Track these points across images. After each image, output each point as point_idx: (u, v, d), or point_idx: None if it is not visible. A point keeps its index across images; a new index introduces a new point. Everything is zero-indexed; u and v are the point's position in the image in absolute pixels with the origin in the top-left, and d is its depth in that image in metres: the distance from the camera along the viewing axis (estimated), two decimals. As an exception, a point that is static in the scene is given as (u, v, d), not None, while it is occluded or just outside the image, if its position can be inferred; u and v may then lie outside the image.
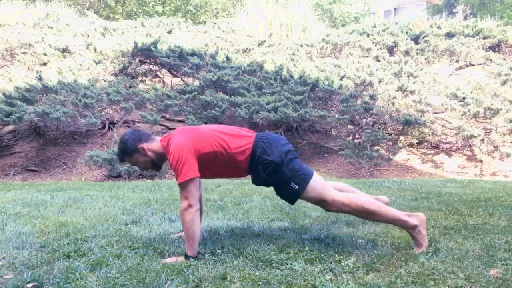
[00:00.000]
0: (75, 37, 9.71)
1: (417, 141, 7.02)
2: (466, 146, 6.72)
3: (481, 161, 6.35)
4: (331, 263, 2.10)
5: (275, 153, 2.29)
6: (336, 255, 2.18)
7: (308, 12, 12.35)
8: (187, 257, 2.18)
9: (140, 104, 7.24)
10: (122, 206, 3.57)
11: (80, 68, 8.16)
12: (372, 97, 6.99)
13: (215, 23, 12.06)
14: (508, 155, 6.22)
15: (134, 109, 7.05)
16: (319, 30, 11.92)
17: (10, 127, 7.23)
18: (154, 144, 2.37)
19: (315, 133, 7.30)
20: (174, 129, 7.41)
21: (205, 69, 8.24)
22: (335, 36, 10.24)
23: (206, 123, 7.08)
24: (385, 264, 2.07)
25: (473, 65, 9.24)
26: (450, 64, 9.32)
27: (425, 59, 9.03)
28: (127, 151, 2.37)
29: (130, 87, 7.92)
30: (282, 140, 2.40)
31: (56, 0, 13.89)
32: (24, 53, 9.15)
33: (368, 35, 10.13)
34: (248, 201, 3.68)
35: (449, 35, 9.97)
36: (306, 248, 2.29)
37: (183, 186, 2.20)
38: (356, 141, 6.69)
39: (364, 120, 6.98)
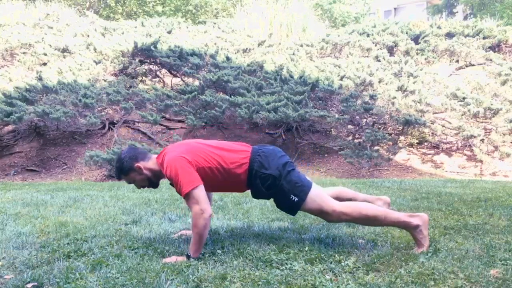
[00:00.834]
0: (75, 37, 9.71)
1: (417, 141, 7.02)
2: (466, 146, 6.72)
3: (481, 161, 6.35)
4: (331, 263, 2.10)
5: (272, 166, 2.29)
6: (336, 255, 2.18)
7: (308, 12, 12.34)
8: (188, 257, 2.18)
9: (140, 104, 7.24)
10: (122, 206, 3.58)
11: (80, 68, 8.16)
12: (372, 97, 6.99)
13: (215, 23, 12.05)
14: (508, 155, 6.22)
15: (134, 109, 7.05)
16: (319, 30, 11.91)
17: (10, 127, 7.23)
18: (150, 162, 2.38)
19: (315, 133, 7.30)
20: (174, 129, 7.43)
21: (205, 69, 8.24)
22: (335, 36, 10.23)
23: (206, 123, 7.09)
24: (385, 264, 2.07)
25: (473, 65, 9.24)
26: (450, 64, 9.32)
27: (425, 59, 9.03)
28: (124, 169, 2.38)
29: (130, 87, 7.92)
30: (278, 153, 2.39)
31: (56, 0, 13.89)
32: (24, 53, 9.15)
33: (368, 35, 10.13)
34: (248, 201, 3.69)
35: (449, 35, 9.97)
36: (306, 248, 2.29)
37: (189, 196, 2.18)
38: (356, 141, 6.69)
39: (364, 120, 6.98)
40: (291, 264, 2.09)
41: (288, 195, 2.30)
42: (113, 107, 7.42)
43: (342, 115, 6.73)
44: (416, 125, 6.65)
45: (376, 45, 9.52)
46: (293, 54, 9.40)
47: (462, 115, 6.69)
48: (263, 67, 8.46)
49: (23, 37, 9.53)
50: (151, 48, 8.43)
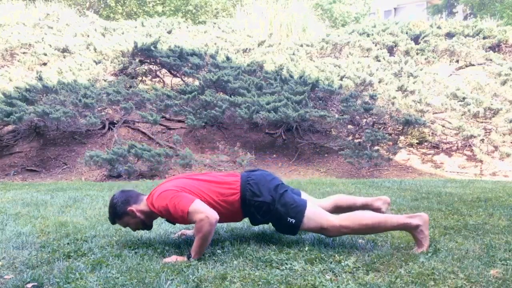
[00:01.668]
0: (75, 37, 9.71)
1: (417, 141, 7.03)
2: (466, 146, 6.72)
3: (481, 161, 6.35)
4: (331, 263, 2.10)
5: (264, 193, 2.30)
6: (336, 255, 2.18)
7: (308, 12, 12.34)
8: (188, 258, 2.18)
9: (140, 104, 7.24)
10: (122, 206, 3.57)
11: (80, 68, 8.16)
12: (372, 97, 6.99)
13: (215, 23, 12.05)
14: (508, 155, 6.22)
15: (134, 109, 7.05)
16: (319, 30, 11.91)
17: (10, 127, 7.23)
18: (142, 204, 2.38)
19: (315, 133, 7.30)
20: (174, 129, 7.43)
21: (205, 69, 8.24)
22: (335, 36, 10.23)
23: (206, 123, 7.08)
24: (385, 264, 2.07)
25: (473, 65, 9.24)
26: (450, 64, 9.31)
27: (425, 59, 9.03)
28: (117, 214, 2.39)
29: (130, 87, 7.93)
30: (267, 176, 2.39)
31: (56, 0, 13.88)
32: (24, 53, 9.15)
33: (368, 35, 10.13)
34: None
35: (449, 35, 9.96)
36: (306, 248, 2.29)
37: (190, 212, 2.16)
38: (356, 141, 6.69)
39: (364, 120, 6.98)
40: (291, 264, 2.09)
41: (285, 218, 2.30)
42: (113, 107, 7.42)
43: (342, 115, 6.73)
44: (416, 125, 6.65)
45: (376, 45, 9.52)
46: (293, 54, 9.40)
47: (462, 115, 6.69)
48: (263, 67, 8.46)
49: (23, 37, 9.53)
50: (151, 48, 8.43)
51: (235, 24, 11.65)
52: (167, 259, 2.19)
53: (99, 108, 7.23)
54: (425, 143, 7.04)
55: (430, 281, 1.87)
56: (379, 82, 7.45)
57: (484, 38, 9.68)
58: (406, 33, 10.11)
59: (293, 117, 6.48)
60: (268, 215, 2.32)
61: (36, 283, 1.93)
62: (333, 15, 19.32)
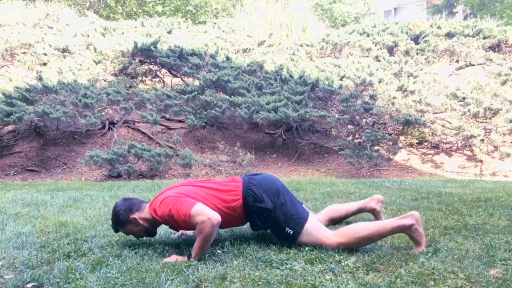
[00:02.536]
0: (75, 37, 9.71)
1: (417, 141, 7.03)
2: (466, 146, 6.72)
3: (481, 161, 6.35)
4: (331, 263, 2.10)
5: (265, 199, 2.30)
6: (336, 255, 2.18)
7: (308, 12, 12.35)
8: (189, 257, 2.18)
9: (140, 104, 7.25)
10: (122, 206, 3.57)
11: (80, 68, 8.16)
12: (372, 97, 6.99)
13: (215, 23, 12.06)
14: (508, 155, 6.22)
15: (134, 109, 7.05)
16: (319, 30, 11.91)
17: (10, 127, 7.23)
18: (145, 212, 2.38)
19: (315, 133, 7.30)
20: (174, 129, 7.43)
21: (205, 69, 8.24)
22: (335, 36, 10.24)
23: (206, 123, 7.08)
24: (385, 264, 2.07)
25: (473, 65, 9.24)
26: (450, 64, 9.32)
27: (425, 59, 9.03)
28: (120, 222, 2.39)
29: (130, 87, 7.93)
30: (268, 181, 2.38)
31: (56, 0, 13.89)
32: (24, 53, 9.15)
33: (368, 35, 10.13)
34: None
35: (449, 35, 9.97)
36: (306, 248, 2.29)
37: (192, 214, 2.15)
38: (356, 141, 6.69)
39: (364, 120, 6.98)
40: (291, 264, 2.09)
41: (283, 227, 2.31)
42: (113, 107, 7.42)
43: (342, 115, 6.73)
44: (416, 125, 6.65)
45: (376, 45, 9.53)
46: (293, 54, 9.40)
47: (462, 115, 6.69)
48: (263, 67, 8.46)
49: (23, 37, 9.53)
50: (151, 48, 8.44)
51: (235, 24, 11.65)
52: (167, 259, 2.19)
53: (99, 108, 7.23)
54: (425, 143, 7.04)
55: (430, 281, 1.87)
56: (379, 82, 7.45)
57: (484, 38, 9.68)
58: (406, 33, 10.12)
59: (293, 117, 6.48)
60: (268, 222, 2.33)
61: (36, 283, 1.93)
62: (333, 15, 19.32)
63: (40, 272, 2.04)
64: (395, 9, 28.13)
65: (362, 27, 10.88)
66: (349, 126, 7.10)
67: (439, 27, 10.32)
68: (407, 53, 9.25)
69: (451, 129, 6.82)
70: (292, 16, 11.38)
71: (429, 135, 7.06)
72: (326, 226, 2.50)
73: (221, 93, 7.54)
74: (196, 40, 10.16)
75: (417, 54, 9.17)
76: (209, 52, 8.88)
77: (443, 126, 6.90)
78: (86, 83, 7.55)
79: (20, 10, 12.01)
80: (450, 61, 9.38)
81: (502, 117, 6.58)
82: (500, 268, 1.98)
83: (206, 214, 2.14)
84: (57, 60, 8.79)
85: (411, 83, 7.36)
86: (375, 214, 2.83)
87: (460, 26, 10.39)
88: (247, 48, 9.86)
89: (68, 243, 2.51)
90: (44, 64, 8.86)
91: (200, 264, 2.11)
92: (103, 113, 7.24)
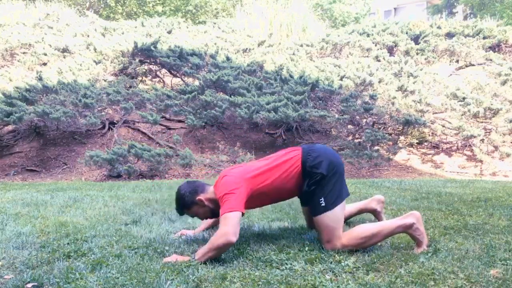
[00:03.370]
0: (75, 37, 9.71)
1: (417, 141, 7.03)
2: (466, 146, 6.72)
3: (481, 161, 6.35)
4: (331, 263, 2.10)
5: (323, 165, 2.32)
6: (336, 255, 2.18)
7: (308, 12, 12.35)
8: (192, 256, 2.18)
9: (140, 104, 7.25)
10: (122, 206, 3.57)
11: (80, 68, 8.16)
12: (372, 97, 6.99)
13: (215, 23, 12.06)
14: (508, 155, 6.22)
15: (134, 109, 7.05)
16: (319, 30, 11.92)
17: (10, 127, 7.23)
18: (210, 193, 2.39)
19: (315, 133, 7.30)
20: (174, 129, 7.43)
21: (205, 69, 8.24)
22: (335, 36, 10.24)
23: (206, 123, 7.09)
24: (385, 264, 2.07)
25: (473, 65, 9.24)
26: (450, 64, 9.32)
27: (425, 59, 9.03)
28: (186, 204, 2.40)
29: (130, 87, 7.93)
30: (328, 150, 2.45)
31: (56, 0, 13.88)
32: (24, 53, 9.15)
33: (368, 35, 10.14)
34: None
35: (449, 35, 9.97)
36: (306, 248, 2.29)
37: (225, 216, 2.16)
38: (356, 141, 6.69)
39: (364, 120, 6.98)
40: (291, 264, 2.09)
41: (319, 196, 2.31)
42: (113, 107, 7.42)
43: (342, 115, 6.73)
44: (416, 125, 6.65)
45: (376, 45, 9.53)
46: (293, 54, 9.40)
47: (462, 115, 6.69)
48: (263, 67, 8.46)
49: (23, 37, 9.53)
50: (151, 48, 8.44)
51: (235, 24, 11.65)
52: (167, 259, 2.19)
53: (99, 108, 7.23)
54: (425, 143, 7.04)
55: (430, 281, 1.87)
56: (379, 82, 7.45)
57: (484, 38, 9.68)
58: (406, 33, 10.12)
59: (293, 117, 6.48)
60: (314, 185, 2.33)
61: (36, 283, 1.93)
62: (333, 15, 19.33)
63: (40, 272, 2.04)
64: (395, 9, 28.13)
65: (362, 27, 10.88)
66: (349, 126, 7.10)
67: (439, 27, 10.32)
68: (407, 53, 9.25)
69: (451, 129, 6.82)
70: (292, 16, 11.39)
71: (429, 135, 7.06)
72: None
73: (221, 93, 7.54)
74: (196, 40, 10.16)
75: (417, 54, 9.17)
76: (209, 52, 8.88)
77: (443, 126, 6.90)
78: (86, 83, 7.55)
79: (20, 10, 12.01)
80: (450, 61, 9.38)
81: (502, 117, 6.58)
82: (500, 268, 1.98)
83: (229, 228, 2.12)
84: (57, 60, 8.79)
85: (411, 83, 7.36)
86: (376, 215, 2.83)
87: (460, 26, 10.40)
88: (247, 48, 9.86)
89: (68, 243, 2.51)
90: (44, 64, 8.86)
91: (200, 264, 2.11)
92: (103, 113, 7.24)
